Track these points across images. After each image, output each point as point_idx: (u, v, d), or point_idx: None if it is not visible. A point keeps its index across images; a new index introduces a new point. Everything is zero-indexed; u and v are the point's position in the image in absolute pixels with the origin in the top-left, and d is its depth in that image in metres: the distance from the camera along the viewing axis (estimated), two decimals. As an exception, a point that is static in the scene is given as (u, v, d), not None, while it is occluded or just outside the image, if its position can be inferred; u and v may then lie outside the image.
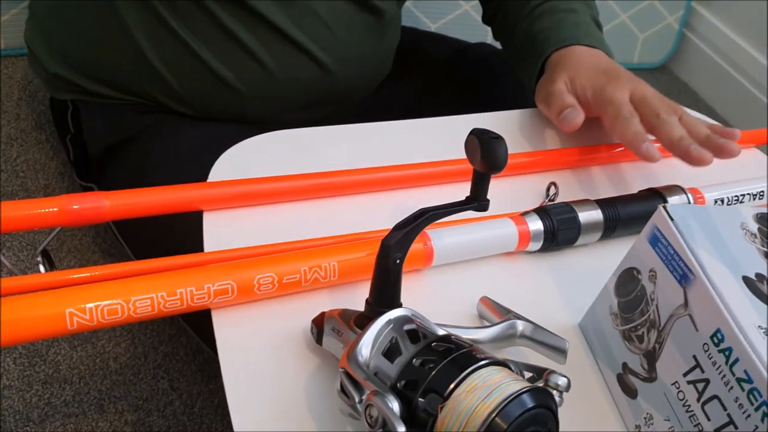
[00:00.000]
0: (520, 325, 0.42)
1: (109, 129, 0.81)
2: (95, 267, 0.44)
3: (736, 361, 0.34)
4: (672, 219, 0.40)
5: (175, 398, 0.91)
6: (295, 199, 0.53)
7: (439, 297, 0.49)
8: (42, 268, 0.46)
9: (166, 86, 0.77)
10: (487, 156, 0.38)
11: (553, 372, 0.36)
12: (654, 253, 0.40)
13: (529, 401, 0.31)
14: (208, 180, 0.54)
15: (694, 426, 0.37)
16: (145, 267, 0.45)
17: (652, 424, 0.40)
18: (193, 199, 0.50)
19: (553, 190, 0.58)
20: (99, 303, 0.39)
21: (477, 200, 0.41)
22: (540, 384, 0.35)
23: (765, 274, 0.38)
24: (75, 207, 0.46)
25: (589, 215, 0.53)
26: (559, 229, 0.52)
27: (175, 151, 0.75)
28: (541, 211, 0.52)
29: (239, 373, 0.41)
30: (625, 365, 0.42)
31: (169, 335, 0.99)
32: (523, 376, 0.37)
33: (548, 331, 0.42)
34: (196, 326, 0.80)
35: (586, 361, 0.46)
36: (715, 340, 0.36)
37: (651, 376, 0.40)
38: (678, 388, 0.38)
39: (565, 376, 0.36)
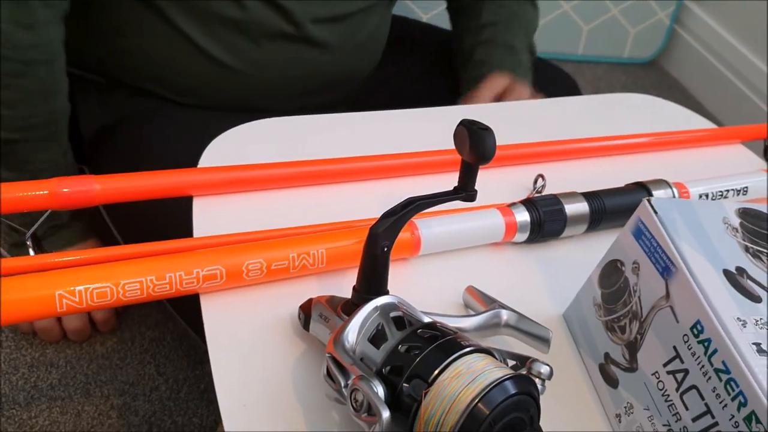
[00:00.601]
0: (505, 315, 0.43)
1: (103, 109, 0.81)
2: (84, 250, 0.44)
3: (715, 352, 0.35)
4: (656, 212, 0.40)
5: (161, 383, 0.92)
6: (285, 187, 0.54)
7: (425, 286, 0.49)
8: (31, 251, 0.46)
9: (160, 78, 0.77)
10: (475, 147, 0.39)
11: (536, 360, 0.37)
12: (638, 245, 0.41)
13: (511, 388, 0.32)
14: (199, 165, 0.54)
15: (673, 415, 0.38)
16: (134, 251, 0.45)
17: (632, 413, 0.41)
18: (184, 184, 0.50)
19: (540, 182, 0.59)
20: (88, 286, 0.39)
21: (465, 190, 0.42)
22: (523, 372, 0.36)
23: (745, 267, 0.39)
24: (65, 190, 0.46)
25: (575, 207, 0.54)
26: (545, 221, 0.52)
27: (168, 136, 0.75)
28: (528, 203, 0.53)
29: (226, 357, 0.41)
30: (607, 355, 0.43)
31: (156, 320, 0.99)
32: (507, 364, 0.37)
33: (532, 320, 0.42)
34: (184, 312, 0.80)
35: (569, 351, 0.47)
36: (695, 332, 0.36)
37: (632, 366, 0.41)
38: (658, 378, 0.39)
39: (547, 365, 0.36)
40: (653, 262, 0.40)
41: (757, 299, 0.37)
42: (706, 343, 0.36)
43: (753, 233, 0.42)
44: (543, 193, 0.56)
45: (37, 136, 0.72)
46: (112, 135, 0.79)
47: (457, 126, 0.39)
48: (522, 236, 0.53)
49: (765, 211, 0.44)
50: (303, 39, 0.76)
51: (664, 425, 0.38)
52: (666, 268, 0.39)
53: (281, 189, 0.53)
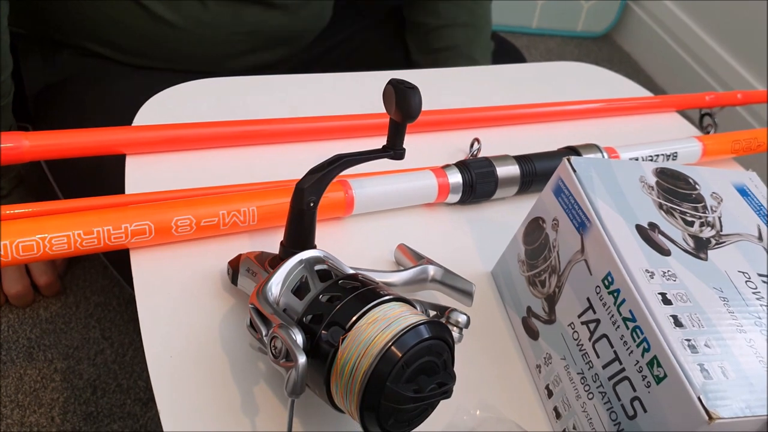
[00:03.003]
0: (432, 270, 0.44)
1: (48, 69, 0.80)
2: (15, 205, 0.44)
3: (623, 301, 0.37)
4: (575, 171, 0.42)
5: (107, 347, 0.91)
6: (219, 146, 0.54)
7: (359, 244, 0.50)
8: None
9: (104, 38, 0.76)
10: (401, 105, 0.39)
11: (454, 310, 0.38)
12: (557, 202, 0.43)
13: (425, 332, 0.33)
14: (134, 124, 0.54)
15: (586, 363, 0.39)
16: (65, 207, 0.45)
17: (550, 363, 0.43)
18: (115, 142, 0.50)
19: (476, 145, 0.60)
20: (14, 239, 0.39)
21: (393, 148, 0.42)
22: (441, 320, 0.37)
23: (658, 223, 0.41)
24: (-6, 146, 0.46)
25: (507, 170, 0.55)
26: (477, 182, 0.54)
27: (113, 96, 0.74)
28: (461, 165, 0.54)
29: (154, 311, 0.41)
30: (529, 309, 0.45)
31: (101, 286, 0.98)
32: (429, 315, 0.39)
33: (457, 275, 0.44)
34: (128, 277, 0.80)
35: (496, 307, 0.48)
36: (606, 283, 0.38)
37: (551, 319, 0.43)
38: (573, 329, 0.40)
39: (464, 314, 0.38)
40: (570, 218, 0.41)
41: (666, 252, 0.39)
42: (615, 294, 0.37)
43: (668, 191, 0.43)
44: (478, 157, 0.57)
45: None
46: (56, 94, 0.78)
47: (386, 85, 0.40)
48: (455, 197, 0.54)
49: (683, 171, 0.46)
50: None
51: (578, 373, 0.40)
52: (582, 223, 0.40)
53: (215, 149, 0.53)
